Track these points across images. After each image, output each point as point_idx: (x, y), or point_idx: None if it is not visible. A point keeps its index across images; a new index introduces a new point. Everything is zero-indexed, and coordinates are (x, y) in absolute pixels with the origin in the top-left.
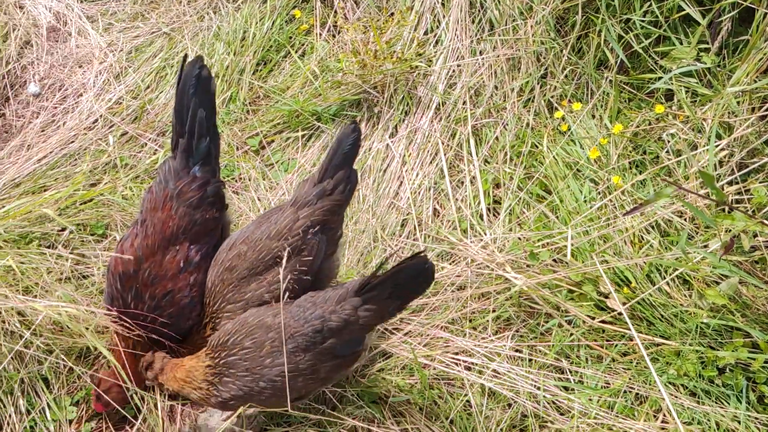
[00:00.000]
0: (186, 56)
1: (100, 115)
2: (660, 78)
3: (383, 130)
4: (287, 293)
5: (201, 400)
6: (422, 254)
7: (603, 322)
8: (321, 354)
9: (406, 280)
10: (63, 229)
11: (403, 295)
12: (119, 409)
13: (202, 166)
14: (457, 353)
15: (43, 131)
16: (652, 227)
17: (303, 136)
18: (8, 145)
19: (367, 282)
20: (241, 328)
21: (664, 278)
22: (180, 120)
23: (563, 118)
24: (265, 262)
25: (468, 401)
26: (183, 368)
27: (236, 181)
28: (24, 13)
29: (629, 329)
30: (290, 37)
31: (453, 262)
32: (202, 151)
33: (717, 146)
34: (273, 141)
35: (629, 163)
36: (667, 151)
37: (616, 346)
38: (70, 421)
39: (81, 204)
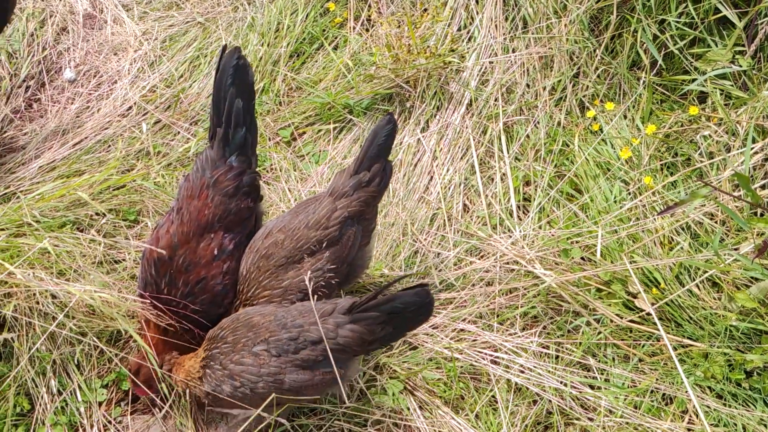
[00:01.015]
0: (225, 47)
1: (134, 103)
2: (694, 80)
3: (415, 124)
4: (324, 284)
5: (202, 397)
6: (425, 287)
7: (631, 321)
8: (288, 363)
9: (403, 310)
10: (96, 214)
11: (398, 324)
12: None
13: (239, 156)
14: (484, 348)
15: (78, 117)
16: (683, 229)
17: (335, 128)
18: (44, 129)
19: (361, 303)
20: (232, 323)
21: (694, 280)
22: (217, 110)
23: (595, 118)
24: (303, 250)
25: (494, 396)
26: (183, 368)
27: (267, 171)
28: None
29: (657, 329)
30: (324, 30)
31: (482, 257)
32: (238, 140)
33: (751, 149)
34: (305, 133)
35: (661, 164)
36: (700, 153)
37: (644, 346)
38: (100, 403)
39: (114, 190)
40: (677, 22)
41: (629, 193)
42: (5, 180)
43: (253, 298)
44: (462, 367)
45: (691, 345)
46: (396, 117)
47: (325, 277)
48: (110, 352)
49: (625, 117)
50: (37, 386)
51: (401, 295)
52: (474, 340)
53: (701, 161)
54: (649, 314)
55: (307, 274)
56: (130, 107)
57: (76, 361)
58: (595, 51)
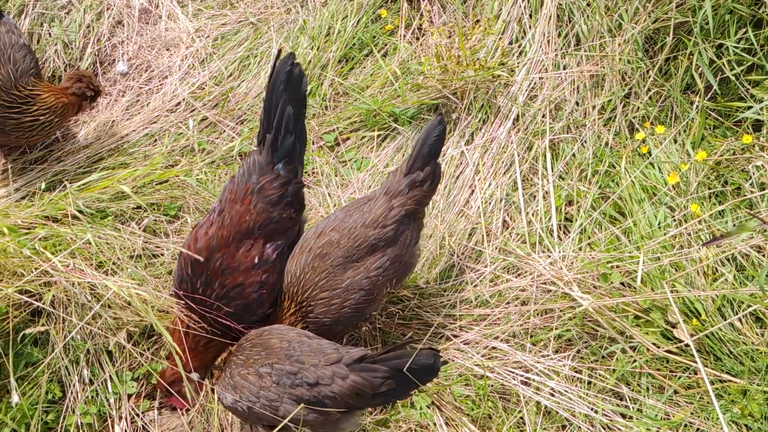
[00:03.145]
0: (280, 51)
1: (183, 99)
2: (750, 107)
3: (459, 136)
4: (382, 282)
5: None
6: (434, 350)
7: (668, 351)
8: (285, 394)
9: (410, 368)
10: (138, 207)
11: (402, 382)
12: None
13: (286, 164)
14: (515, 367)
15: (127, 110)
16: (728, 260)
17: (378, 136)
18: (95, 120)
19: (372, 356)
20: (255, 337)
21: (737, 313)
22: (268, 115)
23: (644, 140)
24: (360, 249)
25: (522, 418)
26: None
27: (309, 175)
28: None
29: (695, 362)
30: (374, 37)
31: (519, 275)
32: (286, 148)
33: None
34: (348, 138)
35: (709, 192)
36: (751, 184)
37: (680, 377)
38: (129, 396)
39: (157, 184)
40: (735, 47)
41: (674, 220)
42: (53, 168)
43: (310, 299)
44: (492, 385)
45: (730, 380)
46: (438, 112)
47: (384, 276)
48: (135, 351)
49: (675, 141)
50: (69, 374)
51: (410, 353)
52: (505, 359)
53: (752, 192)
54: (687, 345)
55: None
56: (179, 103)
57: (108, 353)
58: (648, 72)
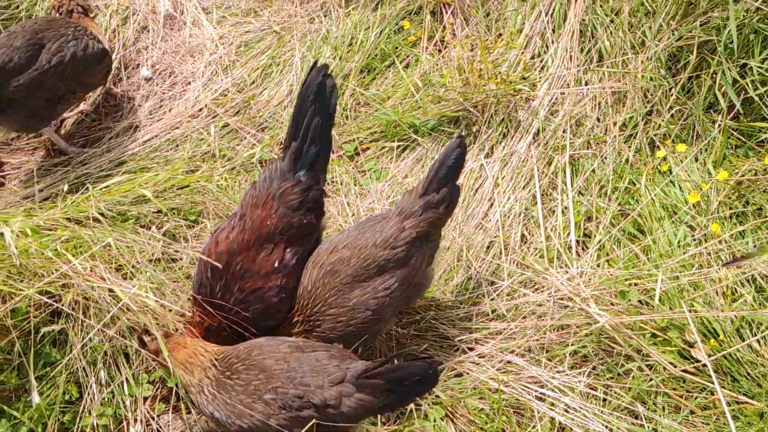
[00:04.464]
0: (316, 62)
1: (205, 105)
2: None
3: (479, 149)
4: (389, 304)
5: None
6: (432, 359)
7: (685, 371)
8: (293, 419)
9: (406, 379)
10: (158, 211)
11: (401, 393)
12: None
13: (308, 171)
14: (530, 382)
15: (150, 115)
16: (748, 281)
17: (398, 146)
18: (118, 124)
19: (372, 368)
20: (246, 356)
21: (756, 335)
22: (296, 123)
23: (665, 158)
24: (369, 269)
25: None
26: (185, 350)
27: (328, 184)
28: None
29: (712, 382)
30: (396, 48)
31: (536, 290)
32: (311, 157)
33: None
34: (368, 148)
35: (730, 212)
36: None
37: (696, 398)
38: (145, 398)
39: (178, 189)
40: (760, 67)
41: (694, 239)
42: (76, 170)
43: (318, 314)
44: (506, 399)
45: (747, 402)
46: (458, 134)
47: (391, 297)
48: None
49: (697, 160)
50: (86, 375)
51: (409, 366)
52: (520, 374)
53: None
54: (704, 365)
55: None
56: (201, 109)
57: (125, 355)
58: (670, 90)
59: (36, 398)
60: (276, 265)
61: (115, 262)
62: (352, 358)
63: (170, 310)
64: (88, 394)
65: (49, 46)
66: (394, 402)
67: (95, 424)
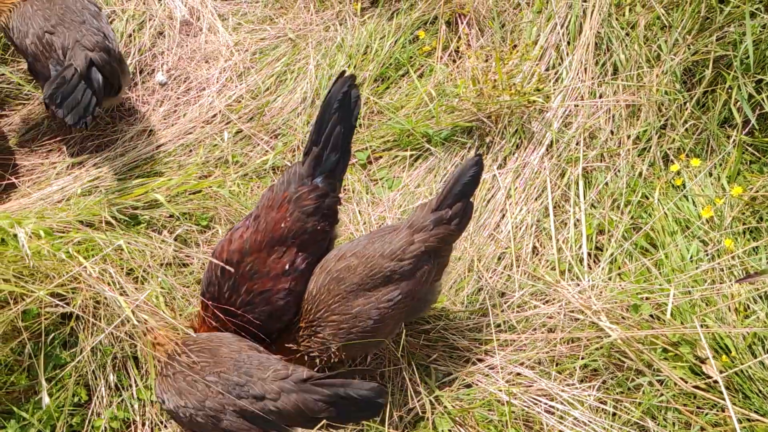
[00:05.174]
0: (344, 72)
1: (219, 111)
2: None
3: (492, 160)
4: (391, 315)
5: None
6: (382, 386)
7: (696, 387)
8: (230, 405)
9: (350, 396)
10: (170, 216)
11: (342, 410)
12: None
13: (326, 178)
14: (539, 395)
15: (164, 119)
16: (761, 297)
17: (411, 156)
18: (132, 128)
19: (318, 377)
20: (206, 341)
21: None
22: (318, 130)
23: (678, 173)
24: (374, 279)
25: None
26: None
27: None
28: (161, 4)
29: (724, 399)
30: (411, 57)
31: (547, 302)
32: (329, 164)
33: None
34: (381, 157)
35: (744, 228)
36: None
37: (707, 414)
38: (153, 402)
39: (190, 194)
40: None
41: (707, 254)
42: (90, 173)
43: (320, 320)
44: (515, 412)
45: (758, 420)
46: (474, 151)
47: (394, 309)
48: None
49: (711, 175)
50: (96, 378)
51: (357, 384)
52: (529, 386)
53: None
54: (716, 382)
55: (376, 304)
56: (215, 115)
57: (134, 358)
58: (685, 104)
59: (46, 399)
60: (286, 267)
61: (127, 266)
62: (303, 368)
63: (181, 314)
64: (98, 398)
65: None
66: (334, 417)
67: (104, 428)
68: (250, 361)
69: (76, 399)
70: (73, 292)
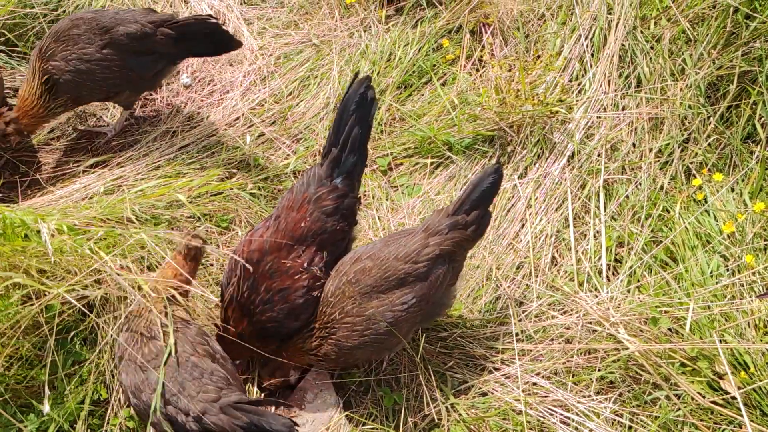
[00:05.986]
0: (357, 73)
1: (242, 114)
2: None
3: (513, 170)
4: (405, 318)
5: None
6: (292, 422)
7: (713, 402)
8: (161, 408)
9: (262, 426)
10: (191, 216)
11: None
12: None
13: (345, 179)
14: (555, 405)
15: (188, 121)
16: None
17: (432, 163)
18: (156, 129)
19: (245, 402)
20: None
21: None
22: (336, 131)
23: (700, 187)
24: (389, 281)
25: None
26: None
27: (361, 197)
28: (188, 7)
29: (741, 415)
30: (434, 65)
31: (564, 313)
32: (348, 165)
33: None
34: (402, 164)
35: (765, 244)
36: None
37: (724, 430)
38: None
39: (211, 195)
40: None
41: (727, 269)
42: (113, 172)
43: (334, 321)
44: (530, 422)
45: None
46: (495, 160)
47: (408, 311)
48: None
49: (733, 190)
50: (113, 377)
51: (272, 417)
52: (545, 396)
53: None
54: (734, 398)
55: (390, 307)
56: (238, 118)
57: None
58: (709, 119)
59: (46, 408)
60: (305, 265)
61: (146, 262)
62: (242, 390)
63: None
64: (116, 401)
65: None
66: None
67: (123, 427)
68: (189, 372)
69: (95, 396)
70: (97, 284)
